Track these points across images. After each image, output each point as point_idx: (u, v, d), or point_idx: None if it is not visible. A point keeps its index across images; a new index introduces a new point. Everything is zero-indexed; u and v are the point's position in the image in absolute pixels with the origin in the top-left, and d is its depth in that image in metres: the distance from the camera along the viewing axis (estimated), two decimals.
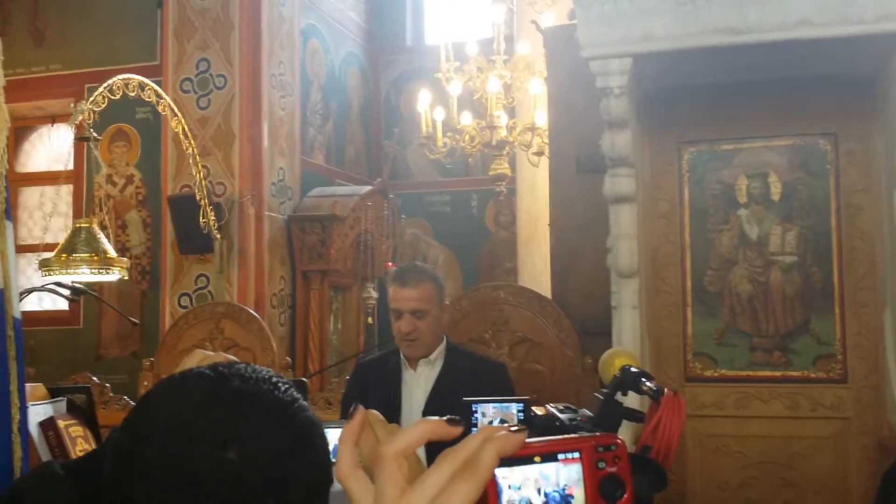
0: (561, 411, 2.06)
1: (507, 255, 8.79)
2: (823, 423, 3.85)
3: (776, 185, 3.91)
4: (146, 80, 5.25)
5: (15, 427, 1.54)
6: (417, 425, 0.70)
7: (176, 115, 5.41)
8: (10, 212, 1.84)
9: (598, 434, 0.73)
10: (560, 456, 0.71)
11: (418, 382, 3.23)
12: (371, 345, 8.26)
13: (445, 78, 6.01)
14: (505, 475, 0.69)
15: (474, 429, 1.84)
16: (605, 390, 2.02)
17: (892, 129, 3.52)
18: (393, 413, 3.14)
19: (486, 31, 7.91)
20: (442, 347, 3.28)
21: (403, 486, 0.68)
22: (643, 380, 1.99)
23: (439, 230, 9.76)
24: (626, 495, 0.71)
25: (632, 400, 2.11)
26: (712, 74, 3.73)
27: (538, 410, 2.26)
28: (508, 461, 0.67)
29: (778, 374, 3.89)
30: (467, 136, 5.92)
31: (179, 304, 7.49)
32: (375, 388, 3.22)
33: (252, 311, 5.33)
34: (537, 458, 0.70)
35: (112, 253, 4.39)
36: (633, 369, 2.05)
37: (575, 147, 4.39)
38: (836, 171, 3.86)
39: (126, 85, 4.99)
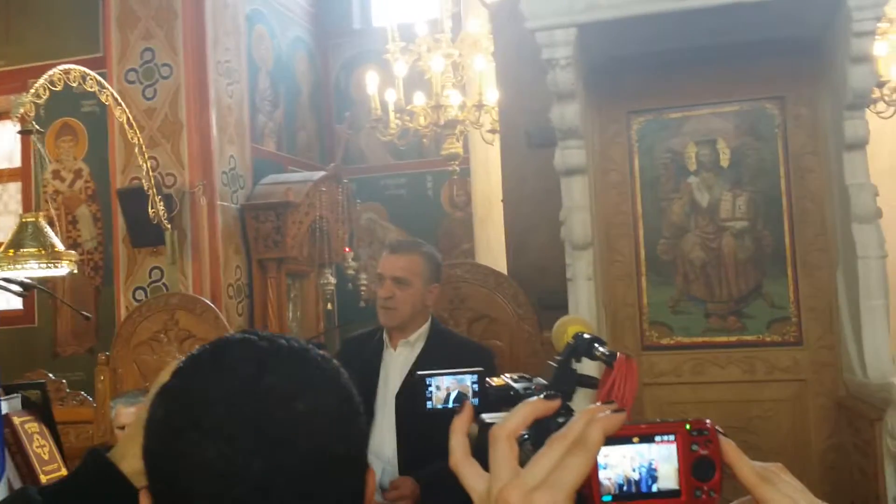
0: (515, 381, 2.04)
1: (464, 235, 8.78)
2: (780, 386, 3.88)
3: (725, 152, 3.92)
4: (87, 71, 5.14)
5: None
6: (521, 407, 0.77)
7: (119, 104, 5.30)
8: None
9: (691, 419, 0.77)
10: (657, 438, 0.76)
11: (396, 363, 3.18)
12: (330, 328, 8.23)
13: (392, 59, 5.96)
14: (605, 454, 0.74)
15: (429, 403, 1.82)
16: (559, 358, 2.01)
17: (838, 91, 3.53)
18: (370, 392, 3.10)
19: (434, 10, 7.86)
20: (424, 329, 3.21)
21: (516, 467, 0.74)
22: (596, 345, 1.97)
23: (395, 213, 9.73)
24: (716, 475, 0.76)
25: (588, 367, 2.11)
26: (658, 42, 3.73)
27: (495, 381, 2.25)
28: (609, 441, 0.74)
29: (733, 339, 3.91)
30: (420, 117, 5.88)
31: (134, 298, 7.40)
32: (358, 366, 3.16)
33: (207, 301, 5.26)
34: (636, 439, 0.76)
35: (60, 247, 4.31)
36: (585, 335, 2.04)
37: (525, 121, 4.37)
38: (784, 135, 3.87)
39: (67, 75, 4.88)
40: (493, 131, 6.08)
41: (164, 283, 7.37)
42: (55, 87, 4.78)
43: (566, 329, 2.19)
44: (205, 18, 7.48)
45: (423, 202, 9.61)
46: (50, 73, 4.80)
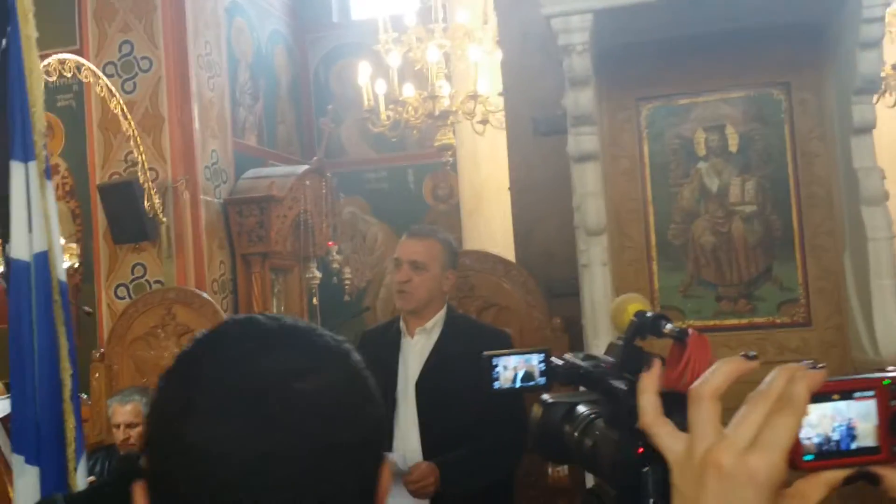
0: (582, 359, 2.05)
1: (447, 227, 8.75)
2: None
3: (733, 137, 3.96)
4: (83, 61, 5.07)
5: (67, 394, 1.45)
6: (723, 366, 0.74)
7: (114, 95, 5.22)
8: (50, 171, 1.74)
9: (890, 373, 0.75)
10: (856, 394, 0.74)
11: (414, 350, 3.16)
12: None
13: (384, 50, 5.94)
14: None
15: (496, 383, 1.82)
16: (623, 336, 2.01)
17: (843, 76, 3.59)
18: (390, 381, 3.10)
19: (414, 2, 7.82)
20: (441, 315, 3.20)
21: (721, 427, 0.71)
22: (662, 322, 1.99)
23: (377, 207, 9.70)
24: None
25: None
26: (668, 29, 3.75)
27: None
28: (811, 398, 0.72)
29: (744, 321, 3.96)
30: (410, 108, 5.86)
31: (116, 295, 7.29)
32: (378, 356, 3.14)
33: (205, 295, 5.20)
34: (835, 396, 0.74)
35: (62, 240, 4.22)
36: (648, 314, 2.06)
37: (531, 110, 4.38)
38: (790, 120, 3.92)
39: (62, 65, 4.80)
40: (483, 122, 6.09)
41: (146, 280, 7.27)
42: (50, 77, 4.71)
43: (626, 308, 2.20)
44: (184, 11, 7.39)
45: (404, 195, 9.58)
46: (47, 62, 4.72)
